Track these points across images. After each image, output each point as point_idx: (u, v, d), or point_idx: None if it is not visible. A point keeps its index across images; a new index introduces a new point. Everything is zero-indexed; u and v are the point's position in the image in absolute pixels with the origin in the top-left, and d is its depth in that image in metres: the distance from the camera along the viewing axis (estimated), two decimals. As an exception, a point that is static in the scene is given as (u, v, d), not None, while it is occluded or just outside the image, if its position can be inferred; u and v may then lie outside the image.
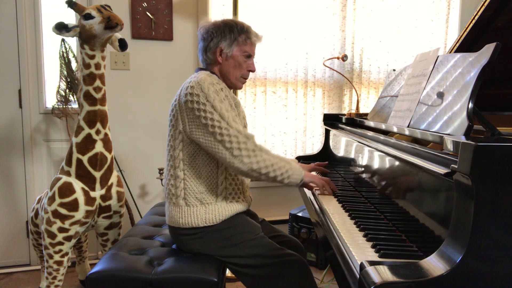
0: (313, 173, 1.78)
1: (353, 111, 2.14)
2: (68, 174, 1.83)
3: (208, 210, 1.43)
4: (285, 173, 1.38)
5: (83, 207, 1.80)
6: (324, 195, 1.50)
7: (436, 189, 0.94)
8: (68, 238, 1.80)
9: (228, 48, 1.48)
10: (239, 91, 2.65)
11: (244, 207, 1.52)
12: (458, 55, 1.16)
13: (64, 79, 2.34)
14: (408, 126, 1.28)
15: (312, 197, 1.54)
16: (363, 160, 1.53)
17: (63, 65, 2.31)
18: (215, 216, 1.43)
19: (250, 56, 1.52)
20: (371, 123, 1.69)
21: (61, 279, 1.86)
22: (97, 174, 1.84)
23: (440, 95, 1.16)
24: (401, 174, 1.17)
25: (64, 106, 2.39)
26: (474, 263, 0.75)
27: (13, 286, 2.34)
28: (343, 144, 1.87)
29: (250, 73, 1.56)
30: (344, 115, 2.13)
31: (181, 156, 1.43)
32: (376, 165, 1.38)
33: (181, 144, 1.43)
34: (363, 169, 1.53)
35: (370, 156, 1.45)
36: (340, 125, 2.02)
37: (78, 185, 1.81)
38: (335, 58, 2.34)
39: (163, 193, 1.55)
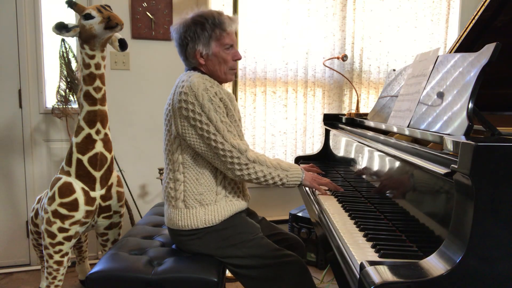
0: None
1: (353, 111, 2.14)
2: (68, 174, 1.83)
3: (207, 211, 1.43)
4: (278, 181, 1.44)
5: (83, 207, 1.80)
6: (326, 195, 1.50)
7: (436, 189, 0.94)
8: (68, 238, 1.80)
9: (206, 48, 1.42)
10: (239, 92, 2.64)
11: (243, 205, 1.52)
12: (458, 55, 1.16)
13: (64, 79, 2.34)
14: (408, 126, 1.28)
15: (312, 197, 1.54)
16: (363, 160, 1.53)
17: (63, 65, 2.31)
18: (215, 216, 1.43)
19: (232, 45, 1.46)
20: (371, 123, 1.69)
21: (61, 279, 1.86)
22: (97, 174, 1.84)
23: (440, 95, 1.16)
24: (401, 174, 1.17)
25: (64, 106, 2.38)
26: (474, 263, 0.75)
27: (13, 286, 2.34)
28: (343, 144, 1.87)
29: (239, 62, 1.54)
30: (344, 115, 2.13)
31: (180, 159, 1.43)
32: (376, 165, 1.38)
33: (179, 149, 1.42)
34: (363, 169, 1.53)
35: (370, 156, 1.45)
36: (340, 125, 2.02)
37: (78, 185, 1.81)
38: (335, 58, 2.33)
39: (162, 194, 1.55)
